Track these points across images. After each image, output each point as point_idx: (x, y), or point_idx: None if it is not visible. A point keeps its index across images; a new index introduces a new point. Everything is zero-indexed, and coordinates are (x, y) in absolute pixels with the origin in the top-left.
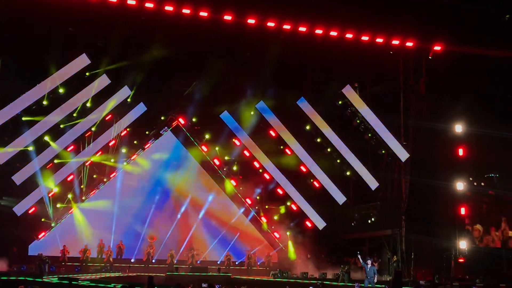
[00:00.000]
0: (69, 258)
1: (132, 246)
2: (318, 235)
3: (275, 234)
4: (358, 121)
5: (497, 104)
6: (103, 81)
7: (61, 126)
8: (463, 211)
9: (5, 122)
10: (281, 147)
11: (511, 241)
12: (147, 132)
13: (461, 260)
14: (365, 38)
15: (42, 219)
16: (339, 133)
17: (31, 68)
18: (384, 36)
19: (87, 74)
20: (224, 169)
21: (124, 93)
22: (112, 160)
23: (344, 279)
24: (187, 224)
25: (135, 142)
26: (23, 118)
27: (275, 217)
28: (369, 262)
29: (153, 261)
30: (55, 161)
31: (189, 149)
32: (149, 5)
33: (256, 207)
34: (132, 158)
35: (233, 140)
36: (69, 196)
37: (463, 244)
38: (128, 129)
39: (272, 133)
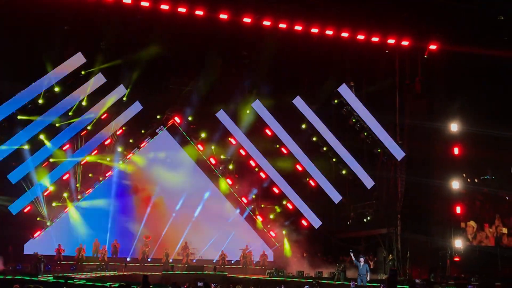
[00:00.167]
0: (64, 256)
1: (128, 245)
2: (314, 234)
3: (271, 233)
4: (354, 120)
5: (492, 103)
6: (98, 79)
7: (57, 125)
8: (458, 209)
9: (1, 120)
10: (277, 146)
11: (504, 237)
12: (143, 131)
13: (456, 259)
14: (360, 37)
15: (38, 218)
16: (335, 132)
17: (27, 67)
18: (380, 35)
19: (82, 72)
20: (220, 168)
21: (120, 91)
22: (108, 159)
23: (340, 277)
24: (183, 223)
25: (131, 141)
26: (19, 117)
27: (271, 216)
28: (361, 259)
29: (149, 260)
30: (51, 160)
31: (185, 148)
32: (145, 4)
33: (252, 206)
34: (128, 157)
35: (229, 139)
36: (65, 195)
37: (458, 243)
38: (123, 128)
39: (268, 132)
